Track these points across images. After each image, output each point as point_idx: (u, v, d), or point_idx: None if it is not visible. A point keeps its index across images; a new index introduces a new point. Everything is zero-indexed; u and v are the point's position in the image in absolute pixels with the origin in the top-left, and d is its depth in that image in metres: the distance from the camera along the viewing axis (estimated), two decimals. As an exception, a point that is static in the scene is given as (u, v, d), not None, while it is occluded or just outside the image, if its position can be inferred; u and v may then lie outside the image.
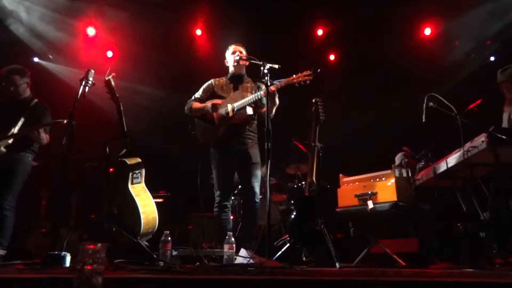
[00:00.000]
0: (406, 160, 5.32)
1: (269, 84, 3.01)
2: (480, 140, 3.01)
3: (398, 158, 5.41)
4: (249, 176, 3.41)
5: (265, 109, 3.35)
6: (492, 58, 6.17)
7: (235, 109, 3.39)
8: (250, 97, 3.33)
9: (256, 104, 3.49)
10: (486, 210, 3.22)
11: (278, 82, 3.19)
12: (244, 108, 3.36)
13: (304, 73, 3.16)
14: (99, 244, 1.21)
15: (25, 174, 3.56)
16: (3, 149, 3.43)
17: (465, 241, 3.20)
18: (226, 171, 3.51)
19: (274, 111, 3.39)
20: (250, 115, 3.40)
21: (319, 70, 3.15)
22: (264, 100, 3.30)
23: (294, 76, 3.18)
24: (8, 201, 3.38)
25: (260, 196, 3.49)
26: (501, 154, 2.91)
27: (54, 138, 3.65)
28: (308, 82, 3.15)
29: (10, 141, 3.47)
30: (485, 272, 2.39)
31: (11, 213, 3.39)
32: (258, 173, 3.47)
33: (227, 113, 3.41)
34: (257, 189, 3.40)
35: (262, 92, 3.24)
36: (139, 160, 3.16)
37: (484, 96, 3.72)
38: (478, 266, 2.75)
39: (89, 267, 1.17)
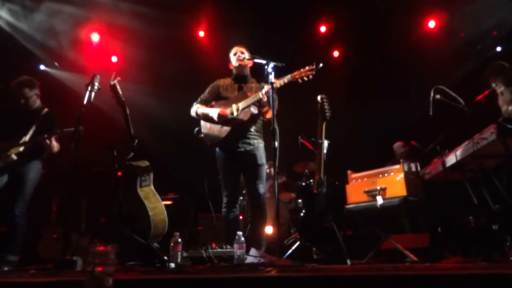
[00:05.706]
0: (404, 150, 5.31)
1: (273, 81, 3.00)
2: (490, 131, 2.97)
3: (397, 147, 5.40)
4: (254, 178, 3.40)
5: (266, 108, 3.35)
6: (498, 49, 6.10)
7: (240, 109, 3.39)
8: (254, 96, 3.33)
9: (260, 103, 3.48)
10: (497, 202, 3.18)
11: (281, 79, 3.16)
12: (248, 107, 3.35)
13: (306, 68, 3.10)
14: (109, 246, 1.21)
15: (36, 181, 3.60)
16: (14, 156, 3.47)
17: (477, 234, 3.16)
18: (232, 172, 3.50)
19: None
20: (255, 114, 3.40)
21: (321, 64, 3.08)
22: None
23: (296, 72, 3.12)
24: (19, 208, 3.42)
25: (268, 195, 3.47)
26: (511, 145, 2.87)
27: (62, 144, 3.69)
28: (310, 77, 3.08)
29: (21, 149, 3.51)
30: (500, 265, 2.36)
31: (22, 220, 3.42)
32: (263, 174, 3.46)
33: (232, 113, 3.41)
34: (262, 190, 3.39)
35: (267, 88, 3.20)
36: (147, 163, 3.17)
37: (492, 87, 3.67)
38: (491, 259, 2.71)
39: (99, 269, 1.18)
